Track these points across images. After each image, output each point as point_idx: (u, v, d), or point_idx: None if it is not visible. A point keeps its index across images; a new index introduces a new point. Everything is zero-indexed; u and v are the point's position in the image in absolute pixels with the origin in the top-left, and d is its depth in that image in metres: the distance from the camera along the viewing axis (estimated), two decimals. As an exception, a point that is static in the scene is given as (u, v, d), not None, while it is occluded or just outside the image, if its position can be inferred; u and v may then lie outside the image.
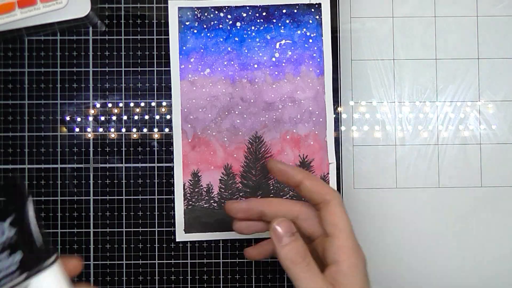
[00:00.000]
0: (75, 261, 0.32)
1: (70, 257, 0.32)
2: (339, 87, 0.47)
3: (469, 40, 0.48)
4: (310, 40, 0.47)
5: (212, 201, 0.46)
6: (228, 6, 0.47)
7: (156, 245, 0.47)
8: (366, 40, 0.48)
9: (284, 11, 0.47)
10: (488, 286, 0.48)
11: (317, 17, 0.47)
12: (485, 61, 0.48)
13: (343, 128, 0.48)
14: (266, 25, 0.47)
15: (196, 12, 0.47)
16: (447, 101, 0.48)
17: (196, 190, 0.46)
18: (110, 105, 0.47)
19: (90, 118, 0.47)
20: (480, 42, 0.48)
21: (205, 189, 0.46)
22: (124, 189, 0.47)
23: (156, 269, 0.46)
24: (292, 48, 0.47)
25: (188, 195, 0.46)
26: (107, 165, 0.47)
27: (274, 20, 0.47)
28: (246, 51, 0.47)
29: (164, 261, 0.46)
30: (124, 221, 0.47)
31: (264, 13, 0.47)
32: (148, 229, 0.47)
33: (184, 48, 0.46)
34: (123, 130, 0.47)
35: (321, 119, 0.47)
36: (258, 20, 0.47)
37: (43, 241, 0.30)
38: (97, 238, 0.46)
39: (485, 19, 0.48)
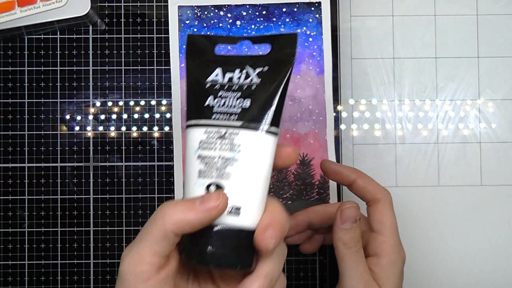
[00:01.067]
0: (291, 150, 0.32)
1: (287, 145, 0.32)
2: (339, 86, 0.47)
3: (469, 38, 0.48)
4: (310, 39, 0.47)
5: None
6: (228, 5, 0.47)
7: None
8: (366, 39, 0.48)
9: (284, 9, 0.47)
10: (488, 285, 0.48)
11: (317, 15, 0.47)
12: (485, 60, 0.48)
13: (343, 126, 0.48)
14: (266, 24, 0.47)
15: (196, 11, 0.47)
16: (447, 100, 0.48)
17: None
18: (110, 103, 0.47)
19: (90, 117, 0.47)
20: (480, 41, 0.48)
21: None
22: (124, 188, 0.47)
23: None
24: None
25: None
26: (107, 164, 0.47)
27: (274, 19, 0.47)
28: (246, 49, 0.47)
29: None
30: (124, 220, 0.47)
31: (264, 12, 0.47)
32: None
33: (184, 46, 0.46)
34: (123, 128, 0.47)
35: (321, 118, 0.46)
36: (258, 19, 0.47)
37: (274, 112, 0.30)
38: (97, 237, 0.46)
39: (485, 18, 0.48)
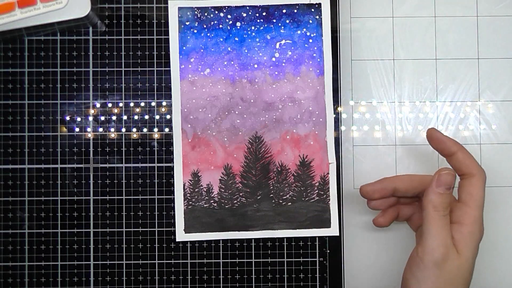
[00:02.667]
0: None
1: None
2: (339, 87, 0.47)
3: (469, 40, 0.48)
4: (310, 40, 0.47)
5: (212, 201, 0.46)
6: (228, 6, 0.47)
7: (156, 245, 0.47)
8: (366, 40, 0.48)
9: (284, 11, 0.47)
10: (488, 287, 0.48)
11: (317, 17, 0.47)
12: (485, 61, 0.48)
13: (343, 128, 0.48)
14: (266, 25, 0.47)
15: (196, 12, 0.47)
16: (447, 101, 0.48)
17: (196, 190, 0.46)
18: (110, 105, 0.47)
19: (90, 118, 0.47)
20: (480, 42, 0.48)
21: (205, 189, 0.46)
22: (124, 189, 0.47)
23: (156, 269, 0.46)
24: (292, 48, 0.47)
25: (188, 195, 0.46)
26: (107, 165, 0.47)
27: (274, 20, 0.47)
28: (246, 51, 0.47)
29: (164, 261, 0.46)
30: (124, 221, 0.47)
31: (264, 13, 0.47)
32: (148, 229, 0.47)
33: (184, 48, 0.46)
34: (123, 130, 0.47)
35: (321, 119, 0.47)
36: (258, 20, 0.47)
37: None
38: (97, 238, 0.46)
39: (485, 19, 0.48)
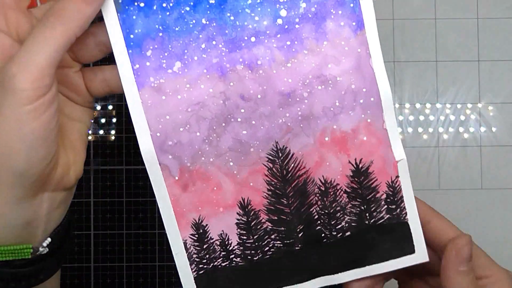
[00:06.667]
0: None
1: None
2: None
3: (469, 42, 0.48)
4: None
5: (232, 256, 0.31)
6: None
7: (157, 247, 0.47)
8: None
9: None
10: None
11: None
12: (485, 63, 0.48)
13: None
14: None
15: None
16: (447, 103, 0.48)
17: (205, 246, 0.31)
18: (110, 107, 0.47)
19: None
20: (481, 44, 0.48)
21: (218, 243, 0.31)
22: (124, 191, 0.47)
23: (157, 271, 0.47)
24: None
25: (194, 256, 0.31)
26: (108, 167, 0.47)
27: None
28: (232, 18, 0.29)
29: (165, 263, 0.47)
30: (124, 223, 0.47)
31: None
32: (149, 231, 0.47)
33: (131, 36, 0.28)
34: (124, 132, 0.47)
35: (372, 98, 0.30)
36: None
37: None
38: (98, 240, 0.47)
39: (485, 21, 0.48)
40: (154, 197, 0.44)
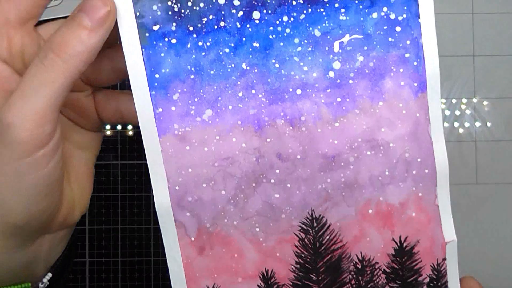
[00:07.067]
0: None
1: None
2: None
3: (464, 37, 0.48)
4: (398, 28, 0.25)
5: None
6: None
7: (152, 242, 0.47)
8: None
9: None
10: (484, 285, 0.48)
11: None
12: (480, 58, 0.48)
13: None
14: (311, 10, 0.25)
15: (170, 3, 0.24)
16: (442, 98, 0.48)
17: None
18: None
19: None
20: (476, 39, 0.48)
21: None
22: (119, 186, 0.47)
23: (152, 266, 0.47)
24: (365, 48, 0.25)
25: None
26: (103, 162, 0.47)
27: None
28: (277, 65, 0.25)
29: (160, 258, 0.47)
30: (119, 218, 0.47)
31: None
32: (144, 226, 0.47)
33: (156, 76, 0.25)
34: (119, 127, 0.47)
35: (426, 170, 0.27)
36: (294, 2, 0.25)
37: None
38: (93, 235, 0.47)
39: (480, 16, 0.48)
40: (150, 192, 0.44)
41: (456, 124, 0.48)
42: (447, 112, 0.48)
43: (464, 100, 0.48)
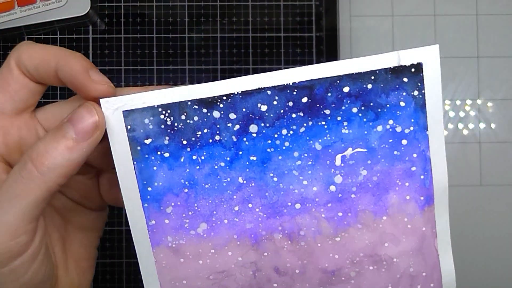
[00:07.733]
0: None
1: None
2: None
3: (468, 38, 0.48)
4: (404, 141, 0.24)
5: None
6: (229, 96, 0.23)
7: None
8: (365, 39, 0.48)
9: (345, 89, 0.23)
10: (486, 285, 0.48)
11: (414, 92, 0.23)
12: (484, 60, 0.48)
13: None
14: (312, 123, 0.24)
15: (162, 116, 0.23)
16: (446, 100, 0.48)
17: None
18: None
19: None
20: (480, 41, 0.48)
21: None
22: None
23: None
24: (369, 161, 0.24)
25: None
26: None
27: (327, 111, 0.23)
28: (275, 179, 0.24)
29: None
30: (124, 219, 0.47)
31: (304, 99, 0.23)
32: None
33: (149, 189, 0.24)
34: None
35: (432, 284, 0.26)
36: (295, 115, 0.24)
37: None
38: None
39: (485, 17, 0.48)
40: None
41: (460, 126, 0.48)
42: (451, 114, 0.48)
43: (469, 102, 0.48)
